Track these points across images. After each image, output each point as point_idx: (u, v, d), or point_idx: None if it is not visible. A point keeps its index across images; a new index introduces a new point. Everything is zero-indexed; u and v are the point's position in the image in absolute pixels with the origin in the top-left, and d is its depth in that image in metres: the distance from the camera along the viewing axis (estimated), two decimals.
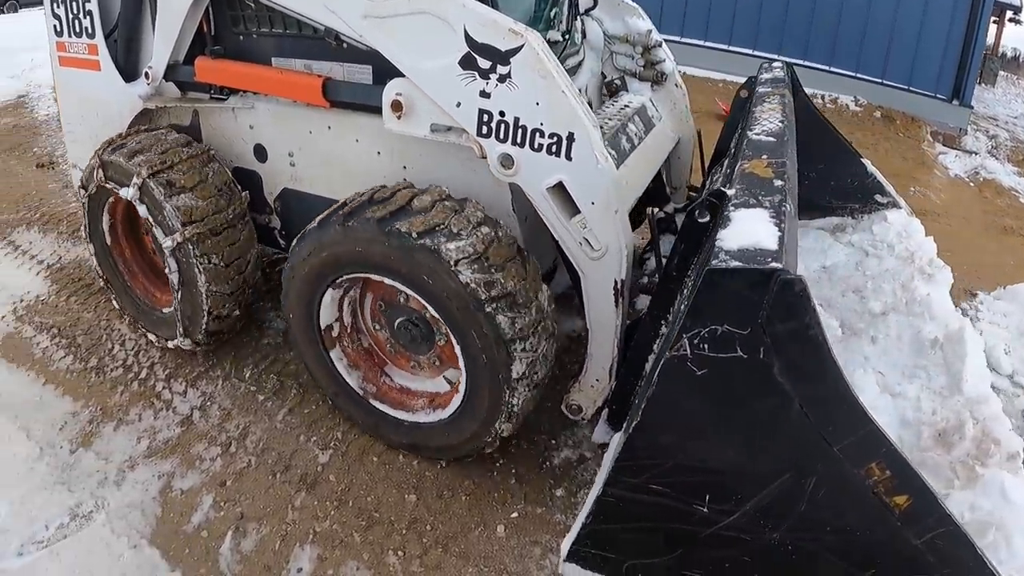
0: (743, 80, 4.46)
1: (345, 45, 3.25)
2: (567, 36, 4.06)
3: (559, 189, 2.94)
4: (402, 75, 3.03)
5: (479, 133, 2.94)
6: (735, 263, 1.72)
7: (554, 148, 2.84)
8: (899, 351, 3.48)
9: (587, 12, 4.55)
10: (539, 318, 2.98)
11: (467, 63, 2.83)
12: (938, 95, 10.55)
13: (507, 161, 2.94)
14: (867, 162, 4.47)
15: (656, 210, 4.20)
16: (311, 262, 3.21)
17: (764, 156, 2.71)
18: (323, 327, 3.44)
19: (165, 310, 4.10)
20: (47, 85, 9.85)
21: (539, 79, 2.75)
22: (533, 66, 2.74)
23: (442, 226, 2.86)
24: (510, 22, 2.75)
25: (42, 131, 8.68)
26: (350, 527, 3.21)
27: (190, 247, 3.58)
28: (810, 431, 1.75)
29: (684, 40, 11.72)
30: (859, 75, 10.87)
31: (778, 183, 2.32)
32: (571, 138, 2.81)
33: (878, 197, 4.41)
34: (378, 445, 3.61)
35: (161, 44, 3.88)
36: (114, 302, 4.48)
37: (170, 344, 4.07)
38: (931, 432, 3.00)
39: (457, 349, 3.04)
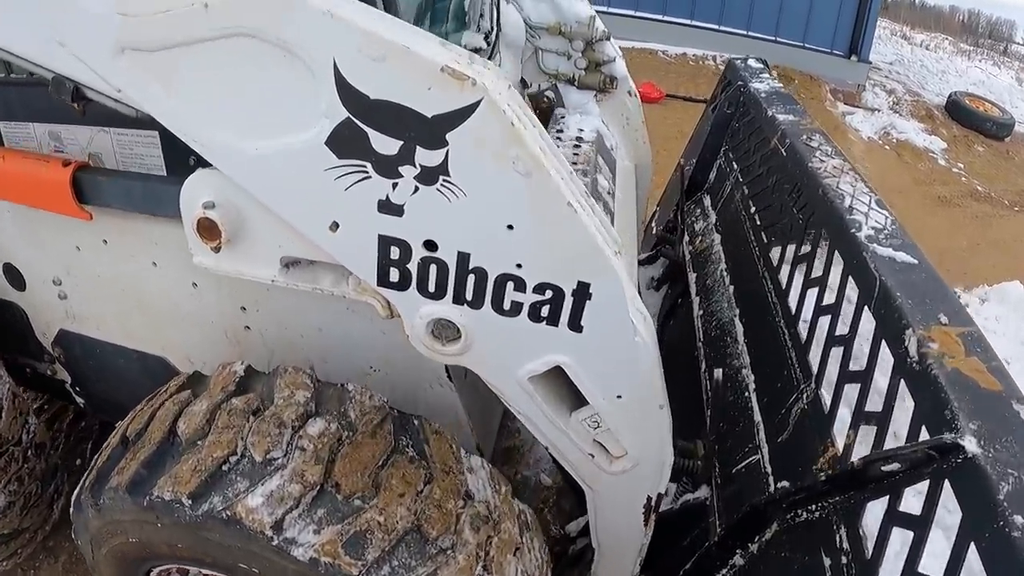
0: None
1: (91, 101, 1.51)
2: (493, 39, 2.41)
3: (553, 374, 1.35)
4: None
5: (383, 281, 1.30)
6: None
7: (546, 312, 1.29)
8: None
9: None
10: (487, 532, 1.47)
11: (346, 143, 1.19)
12: (835, 51, 9.52)
13: (446, 332, 1.33)
14: None
15: None
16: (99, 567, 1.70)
17: (943, 317, 1.44)
18: None
19: None
20: None
21: (514, 176, 1.14)
22: (500, 149, 1.12)
23: (233, 462, 1.39)
24: (445, 50, 1.11)
25: None
26: None
27: None
28: None
29: None
30: (751, 33, 9.67)
31: (1017, 407, 1.22)
32: (583, 293, 1.25)
33: None
34: None
35: None
36: None
37: None
38: None
39: None
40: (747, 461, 1.89)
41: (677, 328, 2.84)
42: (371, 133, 1.16)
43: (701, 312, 2.53)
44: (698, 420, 2.24)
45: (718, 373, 2.26)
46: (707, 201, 3.07)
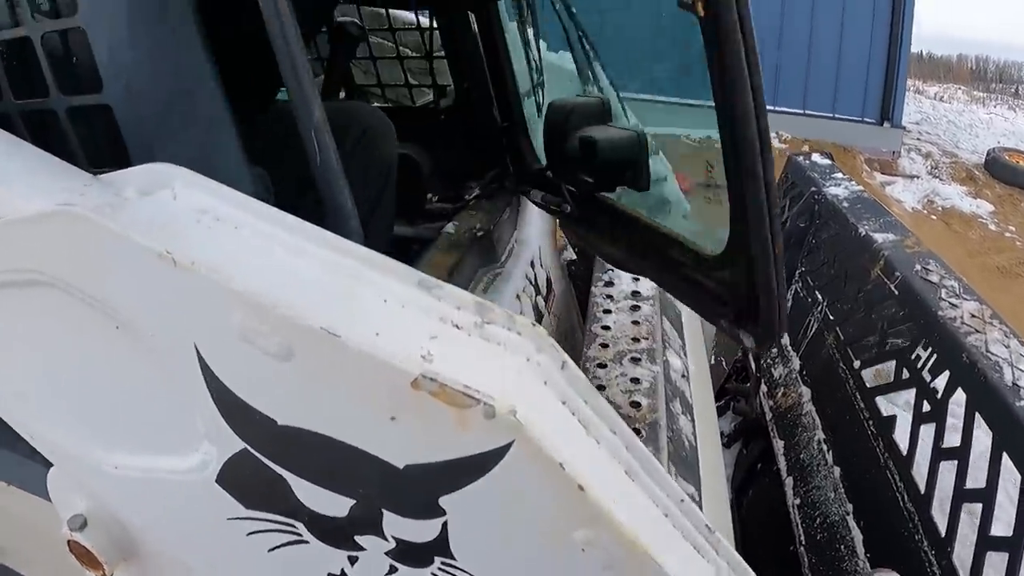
0: None
1: None
2: None
3: None
4: None
5: None
6: None
7: None
8: None
9: None
10: None
11: (251, 489, 0.63)
12: (866, 119, 8.94)
13: None
14: None
15: None
16: None
17: None
18: None
19: None
20: None
21: (586, 566, 0.52)
22: (555, 528, 0.54)
23: None
24: (427, 314, 0.53)
25: None
26: None
27: None
28: None
29: None
30: (778, 108, 9.11)
31: None
32: None
33: None
34: None
35: None
36: None
37: None
38: None
39: None
40: None
41: (760, 507, 2.20)
42: (292, 480, 0.58)
43: (797, 500, 1.90)
44: None
45: None
46: (785, 339, 2.46)
